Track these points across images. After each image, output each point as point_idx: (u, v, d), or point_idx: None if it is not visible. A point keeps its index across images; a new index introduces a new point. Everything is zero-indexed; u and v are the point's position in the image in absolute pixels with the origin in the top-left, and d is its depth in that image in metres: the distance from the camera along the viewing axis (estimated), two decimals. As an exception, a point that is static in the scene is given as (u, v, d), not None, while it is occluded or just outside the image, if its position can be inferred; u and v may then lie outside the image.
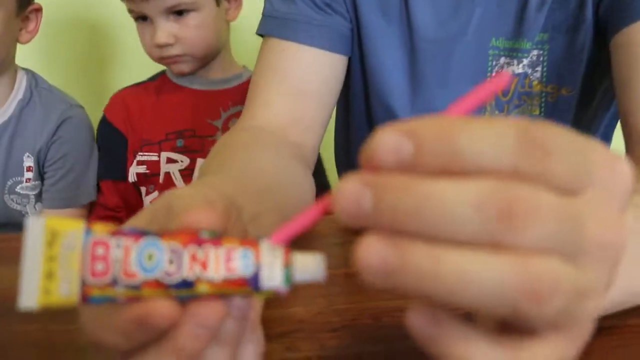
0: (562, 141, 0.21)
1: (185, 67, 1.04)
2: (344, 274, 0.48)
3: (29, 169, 1.02)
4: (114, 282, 0.24)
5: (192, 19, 0.99)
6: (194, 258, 0.25)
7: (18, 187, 1.01)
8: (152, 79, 1.14)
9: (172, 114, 1.07)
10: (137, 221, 0.31)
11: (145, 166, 1.06)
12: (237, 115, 1.05)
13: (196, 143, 1.07)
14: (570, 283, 0.21)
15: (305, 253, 0.26)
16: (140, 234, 0.25)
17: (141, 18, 1.00)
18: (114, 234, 0.25)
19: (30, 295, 0.24)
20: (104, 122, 1.10)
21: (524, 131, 0.21)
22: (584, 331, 0.23)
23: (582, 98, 0.71)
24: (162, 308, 0.24)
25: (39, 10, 1.02)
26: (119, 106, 1.09)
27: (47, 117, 1.02)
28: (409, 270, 0.21)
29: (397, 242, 0.21)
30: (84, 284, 0.24)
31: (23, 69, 1.05)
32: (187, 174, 1.06)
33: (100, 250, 0.24)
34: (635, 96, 0.57)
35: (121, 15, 1.09)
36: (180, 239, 0.25)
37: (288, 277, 0.25)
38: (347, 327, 0.40)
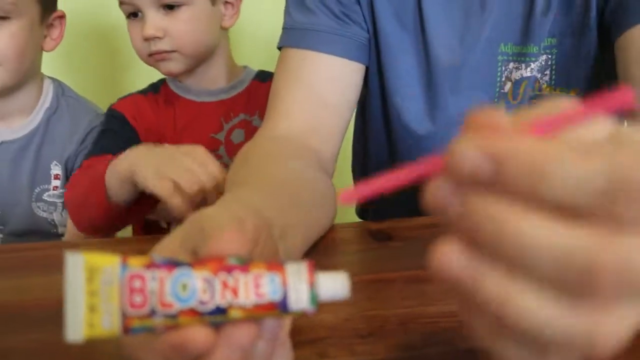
0: None
1: (173, 66, 0.99)
2: (370, 280, 0.50)
3: (56, 176, 1.03)
4: (152, 313, 0.26)
5: (183, 12, 0.96)
6: (225, 285, 0.26)
7: (45, 195, 1.03)
8: (154, 90, 1.09)
9: (176, 131, 1.04)
10: (170, 241, 0.33)
11: None
12: (240, 125, 1.03)
13: None
14: None
15: (328, 272, 0.28)
16: (173, 265, 0.27)
17: (133, 15, 0.98)
18: (149, 266, 0.26)
19: (76, 328, 0.25)
20: (121, 119, 1.02)
21: (616, 176, 0.19)
22: None
23: None
24: (198, 335, 0.26)
25: (62, 17, 1.03)
26: (135, 110, 1.04)
27: (75, 126, 1.04)
28: (479, 293, 0.21)
29: (474, 263, 0.21)
30: (124, 316, 0.26)
31: (49, 77, 1.07)
32: None
33: (137, 283, 0.26)
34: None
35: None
36: (211, 267, 0.27)
37: (314, 298, 0.27)
38: (375, 334, 0.41)
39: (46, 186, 1.03)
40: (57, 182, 1.04)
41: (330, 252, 0.56)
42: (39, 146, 1.02)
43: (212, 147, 1.03)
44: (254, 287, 0.27)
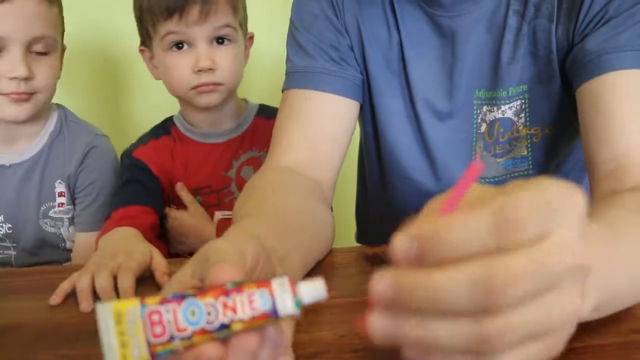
0: (525, 209, 0.29)
1: (215, 98, 1.03)
2: (364, 302, 0.56)
3: (60, 194, 1.09)
4: (171, 338, 0.33)
5: (230, 48, 1.02)
6: (225, 306, 0.33)
7: (51, 212, 1.09)
8: (166, 132, 1.12)
9: (190, 172, 1.09)
10: (184, 272, 0.40)
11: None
12: (249, 162, 1.09)
13: (213, 198, 1.09)
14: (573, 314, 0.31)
15: (308, 281, 0.35)
16: (181, 298, 0.34)
17: (176, 46, 1.01)
18: (162, 302, 0.33)
19: None
20: (146, 170, 1.06)
21: (494, 217, 0.29)
22: (565, 334, 0.32)
23: (562, 134, 0.80)
24: (210, 349, 0.33)
25: (64, 49, 1.11)
26: (157, 160, 1.08)
27: (75, 146, 1.10)
28: (403, 340, 0.31)
29: (395, 319, 0.31)
30: (150, 345, 0.33)
31: (54, 103, 1.13)
32: None
33: (155, 317, 0.33)
34: (597, 138, 0.66)
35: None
36: (212, 294, 0.34)
37: (298, 303, 0.34)
38: (367, 348, 0.47)
39: (52, 203, 1.09)
40: (62, 199, 1.10)
41: (329, 275, 0.62)
42: (44, 167, 1.08)
43: (224, 184, 1.09)
44: (248, 303, 0.33)
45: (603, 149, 0.66)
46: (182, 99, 1.09)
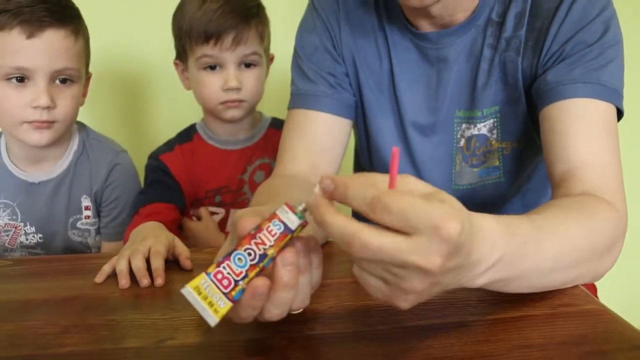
0: (399, 203, 0.43)
1: (238, 113, 1.24)
2: (349, 282, 0.72)
3: (87, 208, 1.24)
4: (236, 282, 0.49)
5: (254, 71, 1.23)
6: (256, 244, 0.49)
7: (78, 224, 1.24)
8: (189, 138, 1.32)
9: (210, 175, 1.30)
10: (225, 243, 0.56)
11: (195, 218, 1.30)
12: (260, 167, 1.29)
13: (229, 197, 1.30)
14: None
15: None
16: (228, 255, 0.49)
17: (209, 67, 1.21)
18: (218, 265, 0.49)
19: (211, 318, 0.49)
20: (168, 173, 1.27)
21: (373, 193, 0.44)
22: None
23: (528, 148, 0.97)
24: (257, 281, 0.49)
25: (90, 77, 1.25)
26: (179, 164, 1.28)
27: (99, 165, 1.25)
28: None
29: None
30: (225, 295, 0.49)
31: (75, 122, 1.25)
32: (222, 224, 1.30)
33: (219, 275, 0.49)
34: (554, 153, 0.81)
35: (156, 70, 1.28)
36: (245, 242, 0.49)
37: (299, 215, 0.50)
38: (349, 317, 0.63)
39: (79, 216, 1.24)
40: (88, 212, 1.25)
41: (326, 262, 0.74)
42: (70, 184, 1.23)
43: (239, 186, 1.29)
44: (268, 233, 0.49)
45: (559, 163, 0.81)
46: (209, 111, 1.29)
